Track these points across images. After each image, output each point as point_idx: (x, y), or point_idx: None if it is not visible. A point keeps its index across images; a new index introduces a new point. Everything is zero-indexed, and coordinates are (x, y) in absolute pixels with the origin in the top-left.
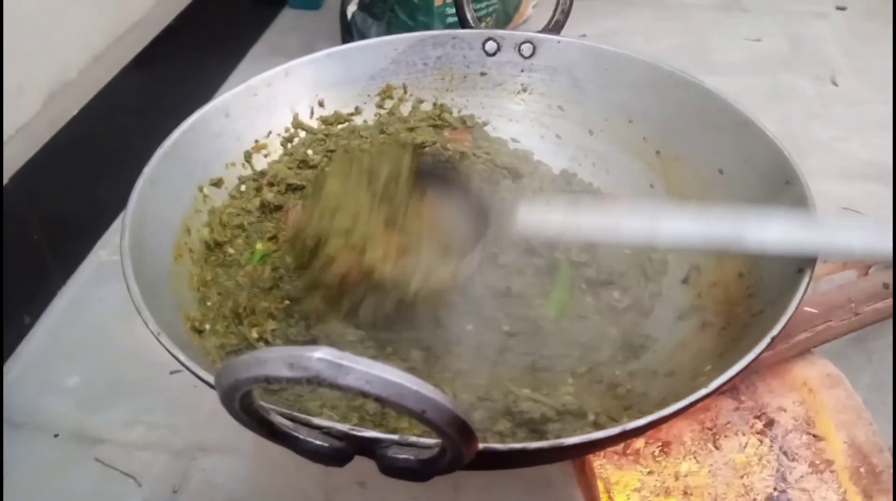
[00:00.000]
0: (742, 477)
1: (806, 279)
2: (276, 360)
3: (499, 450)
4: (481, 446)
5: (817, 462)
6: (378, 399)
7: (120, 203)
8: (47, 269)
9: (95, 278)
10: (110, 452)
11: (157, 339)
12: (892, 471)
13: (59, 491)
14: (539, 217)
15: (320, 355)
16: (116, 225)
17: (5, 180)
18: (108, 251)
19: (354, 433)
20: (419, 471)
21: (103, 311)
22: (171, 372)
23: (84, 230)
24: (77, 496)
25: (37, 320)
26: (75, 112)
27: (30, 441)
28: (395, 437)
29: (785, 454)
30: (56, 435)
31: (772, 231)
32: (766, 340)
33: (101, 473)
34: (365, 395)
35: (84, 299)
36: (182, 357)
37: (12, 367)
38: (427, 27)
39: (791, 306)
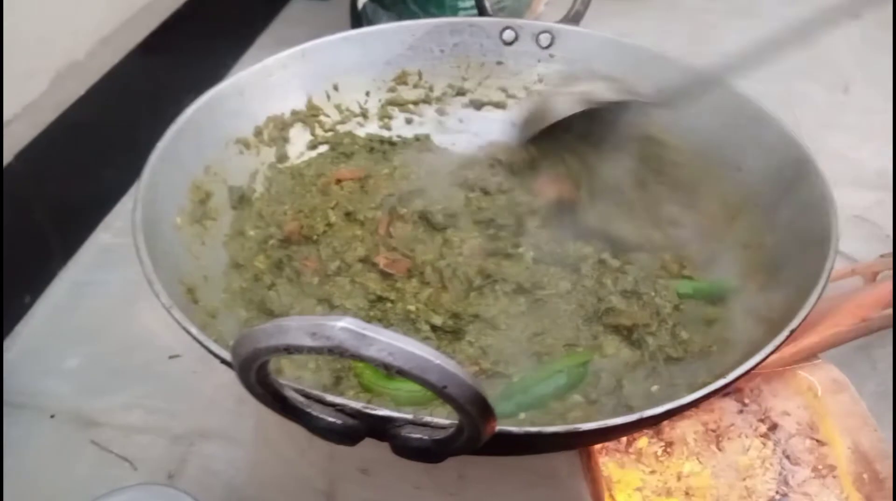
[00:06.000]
0: (744, 480)
1: (825, 274)
2: (299, 329)
3: (514, 433)
4: (498, 428)
5: (820, 466)
6: (400, 372)
7: (122, 186)
8: (49, 249)
9: (97, 260)
10: (107, 435)
11: (169, 312)
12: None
13: (54, 473)
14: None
15: (343, 324)
16: (119, 208)
17: (10, 159)
18: (110, 234)
19: (368, 410)
20: (434, 451)
21: (104, 293)
22: (170, 357)
23: (86, 212)
24: (72, 478)
25: (37, 299)
26: (81, 93)
27: (26, 422)
28: (408, 416)
29: (788, 457)
30: (52, 416)
31: None
32: (786, 332)
33: (97, 456)
34: (387, 367)
35: (85, 281)
36: (194, 330)
37: (11, 346)
38: None
39: (810, 299)
